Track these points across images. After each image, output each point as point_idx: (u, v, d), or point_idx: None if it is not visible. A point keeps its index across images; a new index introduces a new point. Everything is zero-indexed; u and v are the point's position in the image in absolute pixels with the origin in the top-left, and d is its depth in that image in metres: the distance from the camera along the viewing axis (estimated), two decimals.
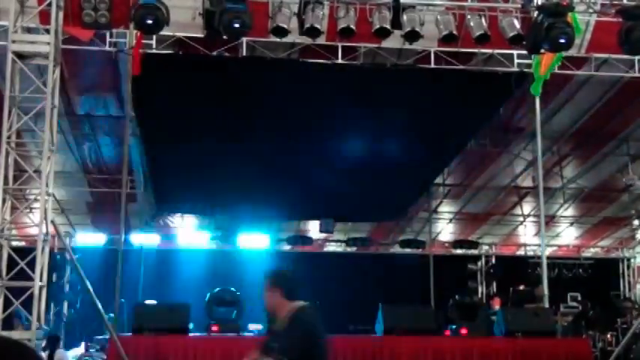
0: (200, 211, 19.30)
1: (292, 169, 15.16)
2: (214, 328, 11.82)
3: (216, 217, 18.92)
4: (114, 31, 11.69)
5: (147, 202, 17.43)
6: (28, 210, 10.73)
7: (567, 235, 21.83)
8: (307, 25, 10.80)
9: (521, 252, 22.35)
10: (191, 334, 11.51)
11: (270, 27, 11.09)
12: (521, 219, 20.64)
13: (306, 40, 11.78)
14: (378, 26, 10.84)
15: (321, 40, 11.83)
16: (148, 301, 14.11)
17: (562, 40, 10.31)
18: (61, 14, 9.75)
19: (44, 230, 9.25)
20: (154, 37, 11.78)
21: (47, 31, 9.59)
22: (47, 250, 9.40)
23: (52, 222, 9.76)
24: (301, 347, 4.99)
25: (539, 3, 10.49)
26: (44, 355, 10.55)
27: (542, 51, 11.12)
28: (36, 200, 9.54)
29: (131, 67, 11.81)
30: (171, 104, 13.10)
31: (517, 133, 16.28)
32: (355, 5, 10.86)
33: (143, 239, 18.96)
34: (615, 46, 10.89)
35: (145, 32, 10.56)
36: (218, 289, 13.10)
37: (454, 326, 12.79)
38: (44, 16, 9.86)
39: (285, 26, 10.89)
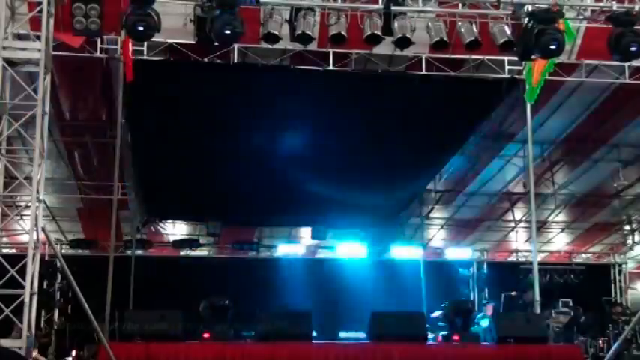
0: (191, 217, 19.26)
1: (284, 176, 15.13)
2: (206, 335, 11.79)
3: (208, 223, 18.87)
4: (105, 37, 11.69)
5: (138, 209, 17.37)
6: (18, 217, 10.70)
7: (559, 241, 21.86)
8: (298, 32, 10.83)
9: (512, 258, 22.37)
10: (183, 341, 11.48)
11: (261, 34, 11.11)
12: (512, 225, 20.66)
13: (298, 47, 11.81)
14: (369, 33, 10.87)
15: (313, 47, 11.86)
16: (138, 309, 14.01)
17: (553, 47, 10.36)
18: (52, 21, 9.73)
19: (35, 237, 9.21)
20: (145, 43, 11.77)
21: (38, 38, 9.56)
22: (38, 257, 9.34)
23: (43, 229, 9.72)
24: None
25: (530, 9, 10.53)
26: None
27: (533, 57, 11.16)
28: (27, 207, 9.49)
29: (124, 73, 11.80)
30: (162, 110, 13.09)
31: (508, 139, 16.32)
32: (346, 12, 10.87)
33: (135, 245, 18.85)
34: (605, 53, 10.94)
35: (136, 39, 10.55)
36: (210, 295, 13.02)
37: (446, 332, 12.79)
38: (35, 23, 9.82)
39: (277, 33, 10.91)
